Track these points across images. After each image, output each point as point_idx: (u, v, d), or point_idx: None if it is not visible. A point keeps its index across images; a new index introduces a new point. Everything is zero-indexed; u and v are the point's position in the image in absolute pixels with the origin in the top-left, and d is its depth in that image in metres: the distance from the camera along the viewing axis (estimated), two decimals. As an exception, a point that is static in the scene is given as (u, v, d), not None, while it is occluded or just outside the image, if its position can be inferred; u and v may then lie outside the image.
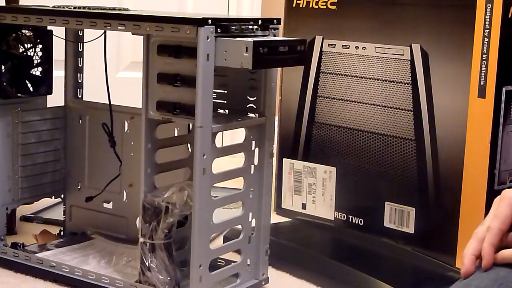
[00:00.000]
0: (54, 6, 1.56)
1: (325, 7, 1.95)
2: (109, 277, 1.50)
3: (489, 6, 1.62)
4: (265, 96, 1.50)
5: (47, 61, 1.70)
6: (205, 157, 1.35)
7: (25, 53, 1.67)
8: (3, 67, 1.61)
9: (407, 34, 1.79)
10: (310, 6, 1.98)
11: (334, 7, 1.93)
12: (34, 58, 1.68)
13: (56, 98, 1.75)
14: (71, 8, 1.51)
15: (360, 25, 1.88)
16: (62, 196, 1.79)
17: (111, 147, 1.68)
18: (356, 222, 1.92)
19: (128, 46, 2.67)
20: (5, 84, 1.61)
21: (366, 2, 1.87)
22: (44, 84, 1.70)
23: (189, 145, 1.57)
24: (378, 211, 1.86)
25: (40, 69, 1.70)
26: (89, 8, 1.52)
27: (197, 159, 1.34)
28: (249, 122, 1.49)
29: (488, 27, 1.63)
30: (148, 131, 1.43)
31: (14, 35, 1.63)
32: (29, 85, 1.68)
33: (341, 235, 1.89)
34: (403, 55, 1.79)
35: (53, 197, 1.80)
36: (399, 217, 1.82)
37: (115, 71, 2.68)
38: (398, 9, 1.81)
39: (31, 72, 1.68)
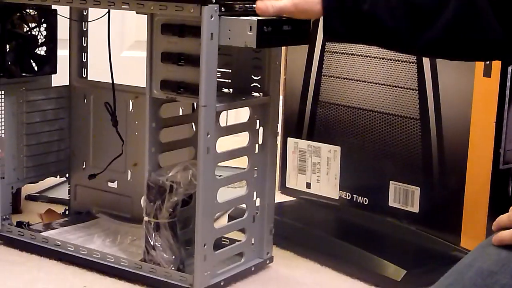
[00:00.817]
0: (58, -15, 1.56)
1: (330, -15, 1.93)
2: (114, 255, 1.51)
3: (494, -16, 1.61)
4: (269, 75, 1.50)
5: (51, 41, 1.70)
6: (209, 136, 1.35)
7: (29, 33, 1.67)
8: (7, 46, 1.61)
9: (412, 13, 1.78)
10: (315, -16, 1.96)
11: (339, -14, 1.92)
12: (38, 37, 1.68)
13: (60, 78, 1.75)
14: (75, -13, 1.51)
15: (365, 4, 1.87)
16: (67, 175, 1.80)
17: (113, 126, 1.68)
18: (361, 202, 1.92)
19: (132, 25, 2.67)
20: (9, 63, 1.61)
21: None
22: (49, 64, 1.70)
23: (193, 124, 1.57)
24: (382, 191, 1.86)
25: (44, 48, 1.69)
26: (93, -13, 1.51)
27: (201, 138, 1.34)
28: (253, 101, 1.49)
29: (493, 5, 1.62)
30: (152, 110, 1.43)
31: (18, 14, 1.63)
32: (33, 64, 1.68)
33: (346, 215, 1.89)
34: (408, 34, 1.78)
35: (58, 176, 1.80)
36: (403, 197, 1.82)
37: (119, 50, 2.68)
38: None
39: (35, 51, 1.68)
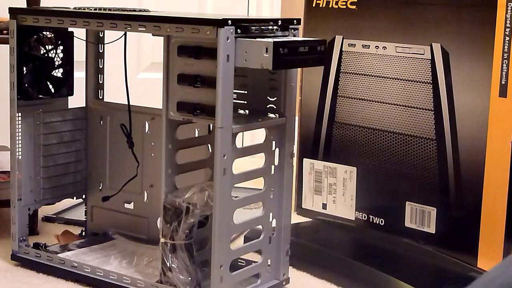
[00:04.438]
0: (75, 8, 1.57)
1: (345, 6, 1.94)
2: (131, 277, 1.51)
3: (510, 4, 1.62)
4: (285, 97, 1.50)
5: (68, 63, 1.71)
6: (225, 157, 1.35)
7: (46, 55, 1.68)
8: (24, 68, 1.62)
9: (427, 34, 1.78)
10: (330, 6, 1.97)
11: (354, 7, 1.93)
12: (55, 59, 1.69)
13: (77, 99, 1.76)
14: (91, 9, 1.52)
15: (380, 25, 1.88)
16: (84, 196, 1.80)
17: (129, 147, 1.68)
18: (377, 222, 1.91)
19: (148, 47, 2.68)
20: (26, 85, 1.62)
21: (386, 1, 1.87)
22: (65, 86, 1.71)
23: (209, 145, 1.57)
24: (399, 211, 1.85)
25: (61, 70, 1.70)
26: (109, 9, 1.53)
27: (217, 160, 1.35)
28: (269, 123, 1.49)
29: (509, 26, 1.62)
30: (168, 132, 1.44)
31: (35, 36, 1.64)
32: (50, 86, 1.69)
33: (362, 235, 1.89)
34: (423, 54, 1.79)
35: (75, 197, 1.81)
36: (420, 217, 1.81)
37: (136, 72, 2.69)
38: (418, 9, 1.80)
39: (52, 73, 1.69)
